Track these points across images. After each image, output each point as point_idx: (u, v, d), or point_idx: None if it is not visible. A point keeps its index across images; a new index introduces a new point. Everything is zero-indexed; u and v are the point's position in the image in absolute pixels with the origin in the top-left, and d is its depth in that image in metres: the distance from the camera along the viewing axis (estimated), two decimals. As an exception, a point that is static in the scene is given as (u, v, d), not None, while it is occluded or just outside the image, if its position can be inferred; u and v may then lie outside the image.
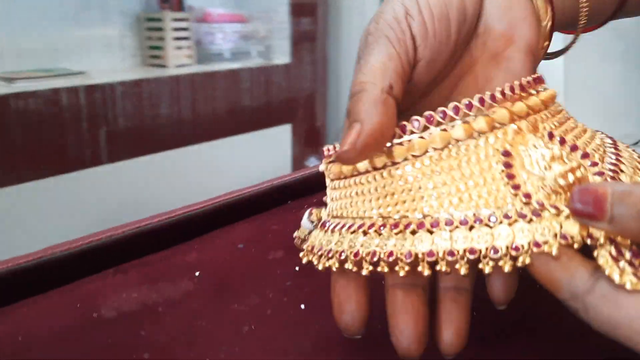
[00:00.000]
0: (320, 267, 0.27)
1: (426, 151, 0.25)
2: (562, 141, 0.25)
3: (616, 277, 0.21)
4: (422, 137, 0.25)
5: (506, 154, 0.24)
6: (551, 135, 0.25)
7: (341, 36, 2.12)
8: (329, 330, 0.29)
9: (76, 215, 1.32)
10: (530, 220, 0.22)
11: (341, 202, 0.28)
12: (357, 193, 0.27)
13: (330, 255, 0.26)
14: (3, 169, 1.19)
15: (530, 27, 0.30)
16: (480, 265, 0.22)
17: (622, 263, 0.21)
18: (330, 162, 0.29)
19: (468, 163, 0.24)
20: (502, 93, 0.25)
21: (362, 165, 0.26)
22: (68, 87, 1.26)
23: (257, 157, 1.80)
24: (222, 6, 1.82)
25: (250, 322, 0.32)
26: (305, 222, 0.31)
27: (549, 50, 0.34)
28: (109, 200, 1.38)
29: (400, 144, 0.25)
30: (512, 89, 0.26)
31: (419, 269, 0.23)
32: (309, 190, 0.52)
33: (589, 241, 0.22)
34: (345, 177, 0.27)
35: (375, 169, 0.26)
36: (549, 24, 0.31)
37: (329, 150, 0.29)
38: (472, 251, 0.22)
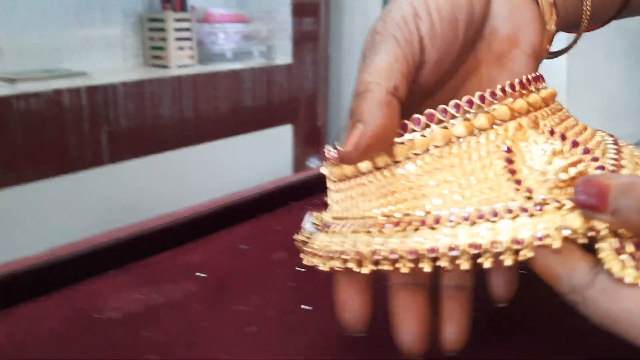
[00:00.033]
0: (325, 269, 0.27)
1: (428, 149, 0.25)
2: (563, 137, 0.25)
3: (616, 270, 0.21)
4: (423, 136, 0.25)
5: (507, 150, 0.24)
6: (552, 132, 0.25)
7: (343, 36, 2.12)
8: (331, 331, 0.29)
9: (78, 215, 1.32)
10: (533, 215, 0.23)
11: (344, 204, 0.28)
12: (359, 193, 0.27)
13: (333, 256, 0.27)
14: (5, 169, 1.19)
15: (535, 30, 0.30)
16: (481, 260, 0.23)
17: (623, 256, 0.21)
18: (332, 164, 0.29)
19: (469, 160, 0.24)
20: (503, 90, 0.26)
21: (365, 165, 0.26)
22: (70, 88, 1.26)
23: (259, 157, 1.80)
24: (224, 6, 1.82)
25: (252, 322, 0.32)
26: (306, 224, 0.31)
27: (551, 50, 0.34)
28: (111, 200, 1.38)
29: (402, 142, 0.25)
30: (512, 87, 0.26)
31: (421, 265, 0.24)
32: (310, 191, 0.52)
33: (591, 234, 0.22)
34: (348, 179, 0.27)
35: (377, 168, 0.26)
36: (553, 27, 0.31)
37: (330, 152, 0.30)
38: (474, 246, 0.23)
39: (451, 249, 0.23)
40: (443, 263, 0.23)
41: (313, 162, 2.02)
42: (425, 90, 0.29)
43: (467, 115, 0.25)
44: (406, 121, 0.26)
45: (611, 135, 0.29)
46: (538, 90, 0.27)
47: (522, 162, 0.24)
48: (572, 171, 0.23)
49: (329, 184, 0.29)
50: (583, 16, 0.34)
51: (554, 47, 0.34)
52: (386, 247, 0.24)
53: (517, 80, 0.26)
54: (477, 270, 0.23)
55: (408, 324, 0.25)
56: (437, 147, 0.25)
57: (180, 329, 0.32)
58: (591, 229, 0.22)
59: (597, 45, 0.87)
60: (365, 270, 0.25)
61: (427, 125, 0.25)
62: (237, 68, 1.67)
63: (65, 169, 1.29)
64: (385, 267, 0.24)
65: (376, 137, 0.25)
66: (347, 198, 0.28)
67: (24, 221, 1.24)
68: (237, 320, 0.32)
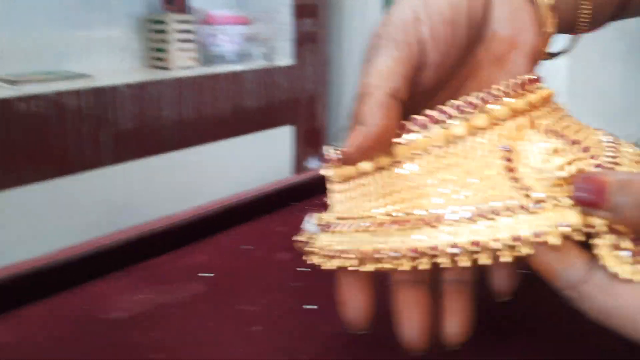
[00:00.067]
0: (328, 267, 0.27)
1: (428, 149, 0.25)
2: (561, 136, 0.25)
3: (612, 266, 0.21)
4: (424, 136, 0.26)
5: (506, 149, 0.25)
6: (550, 131, 0.26)
7: (343, 37, 2.12)
8: (336, 331, 0.30)
9: (80, 216, 1.33)
10: (532, 212, 0.23)
11: (346, 204, 0.28)
12: (361, 193, 0.27)
13: (335, 255, 0.27)
14: (7, 171, 1.19)
15: (533, 32, 0.31)
16: (481, 257, 0.23)
17: (619, 252, 0.21)
18: (333, 165, 0.29)
19: (469, 159, 0.25)
20: (502, 91, 0.26)
21: (366, 166, 0.27)
22: (72, 90, 1.27)
23: (259, 158, 1.80)
24: (225, 8, 1.83)
25: (257, 322, 0.32)
26: (306, 225, 0.32)
27: (551, 51, 0.34)
28: (112, 201, 1.38)
29: (403, 143, 0.26)
30: (511, 87, 0.26)
31: (421, 263, 0.24)
32: (311, 192, 0.53)
33: (589, 230, 0.22)
34: (349, 179, 0.28)
35: (378, 168, 0.26)
36: (551, 29, 0.32)
37: (331, 153, 0.30)
38: (475, 244, 0.23)
39: (452, 246, 0.23)
40: (443, 260, 0.24)
41: (313, 163, 2.02)
42: (426, 91, 0.29)
43: (467, 116, 0.26)
44: (407, 122, 0.26)
45: (609, 134, 0.29)
46: (536, 90, 0.28)
47: (521, 161, 0.25)
48: (570, 169, 0.24)
49: (330, 185, 0.30)
50: (580, 19, 0.34)
51: (555, 48, 0.35)
52: (388, 246, 0.25)
53: (516, 81, 0.27)
54: (478, 266, 0.24)
55: (410, 320, 0.26)
56: (437, 147, 0.25)
57: (185, 329, 0.32)
58: (588, 225, 0.22)
59: (597, 46, 0.87)
60: (367, 268, 0.25)
61: (428, 126, 0.26)
62: (238, 69, 1.67)
63: (67, 170, 1.29)
64: (387, 265, 0.25)
65: (377, 138, 0.25)
66: (349, 198, 0.28)
67: (26, 222, 1.24)
68: (241, 320, 0.33)
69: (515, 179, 0.24)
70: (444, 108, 0.26)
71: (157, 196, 1.47)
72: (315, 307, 0.34)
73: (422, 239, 0.24)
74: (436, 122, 0.26)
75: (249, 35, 1.78)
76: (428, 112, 0.26)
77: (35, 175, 1.23)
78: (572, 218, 0.22)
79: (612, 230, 0.22)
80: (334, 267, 0.27)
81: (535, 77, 0.28)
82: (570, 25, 0.34)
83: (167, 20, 1.57)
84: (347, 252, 0.26)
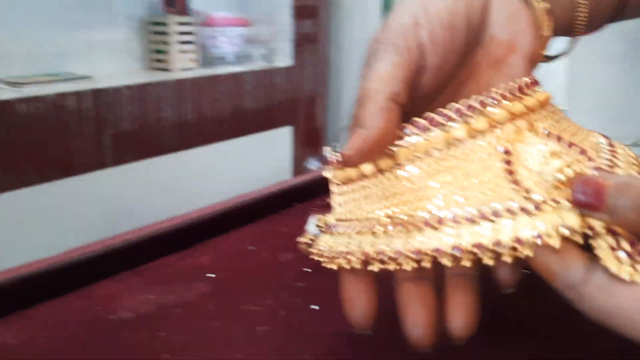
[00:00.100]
0: (332, 267, 0.28)
1: (429, 152, 0.26)
2: (559, 139, 0.26)
3: (613, 268, 0.21)
4: (424, 139, 0.26)
5: (507, 152, 0.25)
6: (548, 134, 0.26)
7: (342, 38, 2.13)
8: (342, 331, 0.30)
9: (82, 217, 1.33)
10: (532, 214, 0.23)
11: (348, 206, 0.29)
12: (363, 196, 0.28)
13: (338, 256, 0.27)
14: (10, 172, 1.20)
15: (531, 36, 0.31)
16: (484, 259, 0.24)
17: (619, 253, 0.22)
18: (335, 167, 0.30)
19: (470, 162, 0.25)
20: (501, 95, 0.27)
21: (368, 168, 0.27)
22: (74, 91, 1.27)
23: (259, 159, 1.81)
24: (225, 10, 1.83)
25: (263, 322, 0.33)
26: (309, 227, 0.32)
27: (549, 54, 0.35)
28: (113, 202, 1.39)
29: (404, 146, 0.26)
30: (509, 90, 0.27)
31: (423, 263, 0.24)
32: (314, 193, 0.53)
33: (588, 232, 0.22)
34: (352, 181, 0.28)
35: (380, 171, 0.27)
36: (549, 32, 0.32)
37: (333, 155, 0.30)
38: (477, 245, 0.23)
39: (454, 248, 0.24)
40: (445, 261, 0.24)
41: (312, 164, 2.03)
42: (425, 95, 0.29)
43: (467, 119, 0.26)
44: (408, 125, 0.27)
45: (605, 137, 0.30)
46: (534, 93, 0.28)
47: (520, 164, 0.25)
48: (569, 172, 0.24)
49: (332, 187, 0.30)
50: (577, 21, 0.34)
51: (554, 50, 0.35)
52: (391, 248, 0.25)
53: (514, 85, 0.27)
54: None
55: (416, 316, 0.26)
56: (437, 150, 0.26)
57: (193, 329, 0.32)
58: (588, 227, 0.22)
59: (597, 47, 0.87)
60: (371, 268, 0.26)
61: (429, 129, 0.26)
62: (238, 71, 1.68)
63: (69, 171, 1.29)
64: (391, 266, 0.25)
65: (376, 141, 0.26)
66: (351, 200, 0.28)
67: (28, 224, 1.25)
68: (248, 320, 0.33)
69: (516, 182, 0.24)
70: (444, 111, 0.26)
71: (158, 197, 1.48)
72: (321, 307, 0.34)
73: (424, 240, 0.25)
74: (436, 125, 0.26)
75: (249, 36, 1.79)
76: (429, 115, 0.26)
77: (36, 177, 1.24)
78: (571, 220, 0.23)
79: (610, 232, 0.22)
80: (336, 267, 0.27)
81: (534, 80, 0.29)
82: (568, 27, 0.35)
83: (167, 22, 1.57)
84: (351, 253, 0.27)
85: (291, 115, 1.90)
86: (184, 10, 1.62)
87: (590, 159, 0.25)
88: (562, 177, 0.24)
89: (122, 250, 0.40)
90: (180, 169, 1.55)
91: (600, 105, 0.89)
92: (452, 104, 0.26)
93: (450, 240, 0.24)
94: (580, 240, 0.23)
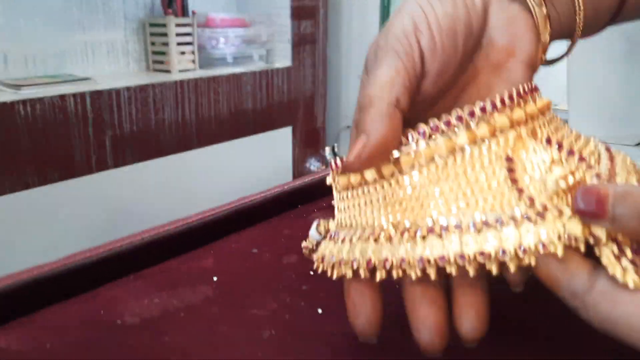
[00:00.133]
0: (334, 277, 0.28)
1: (432, 159, 0.26)
2: (560, 146, 0.26)
3: (618, 276, 0.22)
4: (427, 146, 0.26)
5: (509, 159, 0.25)
6: (549, 141, 0.26)
7: (341, 39, 2.13)
8: (347, 335, 0.30)
9: (83, 219, 1.33)
10: (535, 222, 0.23)
11: (350, 213, 0.29)
12: (365, 202, 0.28)
13: (342, 264, 0.27)
14: (10, 174, 1.20)
15: (531, 40, 0.31)
16: (488, 266, 0.24)
17: (624, 262, 0.22)
18: (338, 173, 0.29)
19: (473, 169, 0.25)
20: (502, 101, 0.27)
21: (370, 175, 0.27)
22: (74, 93, 1.27)
23: (259, 159, 1.81)
24: (224, 11, 1.83)
25: (269, 327, 0.32)
26: (313, 232, 0.32)
27: (549, 57, 0.35)
28: (114, 204, 1.38)
29: (407, 152, 0.26)
30: (510, 97, 0.27)
31: (428, 271, 0.24)
32: (318, 194, 0.53)
33: (591, 240, 0.23)
34: (354, 188, 0.28)
35: (382, 178, 0.27)
36: (547, 37, 0.32)
37: (336, 163, 0.30)
38: (482, 254, 0.24)
39: (460, 257, 0.24)
40: (450, 269, 0.24)
41: (313, 164, 2.03)
42: (426, 99, 0.30)
43: (469, 126, 0.26)
44: (410, 131, 0.27)
45: (603, 143, 0.30)
46: (534, 100, 0.28)
47: (522, 171, 0.25)
48: (571, 179, 0.24)
49: (335, 194, 0.30)
50: (576, 25, 0.35)
51: (553, 53, 0.36)
52: (396, 256, 0.25)
53: (514, 91, 0.27)
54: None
55: (426, 318, 0.26)
56: (440, 157, 0.26)
57: (198, 333, 0.32)
58: (592, 235, 0.23)
59: (597, 46, 0.88)
60: (376, 277, 0.26)
61: (431, 136, 0.26)
62: (238, 72, 1.68)
63: (70, 173, 1.29)
64: (395, 274, 0.25)
65: (378, 148, 0.26)
66: (353, 206, 0.28)
67: (28, 226, 1.24)
68: (253, 324, 0.33)
69: (519, 189, 0.24)
70: (446, 118, 0.26)
71: (159, 198, 1.48)
72: (326, 310, 0.34)
73: (429, 249, 0.25)
74: (438, 131, 0.26)
75: (248, 37, 1.79)
76: (432, 122, 0.26)
77: (36, 179, 1.24)
78: (575, 228, 0.23)
79: (613, 240, 0.22)
80: (342, 276, 0.27)
81: (533, 87, 0.29)
82: (566, 31, 0.35)
83: (167, 23, 1.57)
84: (355, 261, 0.27)
85: (291, 115, 1.90)
86: (183, 11, 1.62)
87: (590, 167, 0.26)
88: (564, 185, 0.24)
89: (124, 254, 0.40)
90: (181, 170, 1.55)
91: (600, 105, 0.89)
92: (454, 110, 0.26)
93: (454, 248, 0.24)
94: (583, 248, 0.23)
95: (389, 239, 0.26)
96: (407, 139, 0.26)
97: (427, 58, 0.28)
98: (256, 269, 0.40)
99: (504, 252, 0.23)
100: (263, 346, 0.31)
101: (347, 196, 0.29)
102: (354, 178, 0.28)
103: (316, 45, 1.96)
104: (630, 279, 0.21)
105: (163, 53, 1.59)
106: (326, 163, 2.00)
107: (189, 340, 0.32)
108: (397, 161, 0.26)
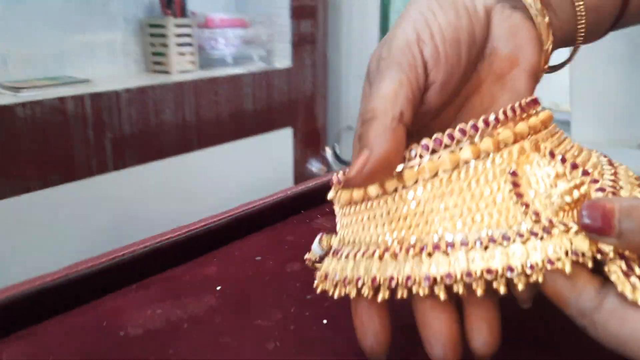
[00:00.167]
0: (335, 296, 0.27)
1: (436, 173, 0.25)
2: (563, 159, 0.26)
3: (628, 293, 0.21)
4: (431, 160, 0.26)
5: (513, 173, 0.25)
6: (552, 154, 0.26)
7: (341, 39, 2.13)
8: (353, 346, 0.30)
9: (83, 222, 1.32)
10: (542, 238, 0.23)
11: (353, 228, 0.28)
12: (368, 218, 0.27)
13: (346, 282, 0.27)
14: (10, 178, 1.19)
15: (533, 50, 0.31)
16: (495, 285, 0.23)
17: (633, 279, 0.21)
18: (339, 189, 0.29)
19: (477, 184, 0.25)
20: (505, 114, 0.26)
21: (373, 190, 0.26)
22: (73, 95, 1.27)
23: (260, 160, 1.80)
24: (223, 11, 1.83)
25: (274, 338, 0.32)
26: (316, 247, 0.31)
27: (551, 63, 0.35)
28: (114, 206, 1.38)
29: (410, 167, 0.26)
30: (513, 110, 0.27)
31: (436, 291, 0.24)
32: (320, 199, 0.53)
33: (598, 256, 0.22)
34: (356, 203, 0.28)
35: (385, 193, 0.26)
36: (550, 47, 0.32)
37: (338, 178, 0.30)
38: (489, 271, 0.23)
39: (467, 275, 0.23)
40: (457, 287, 0.24)
41: (313, 165, 2.02)
42: (430, 110, 0.29)
43: (472, 140, 0.26)
44: (413, 145, 0.26)
45: (605, 156, 0.30)
46: (537, 113, 0.28)
47: (527, 186, 0.25)
48: (576, 194, 0.24)
49: (336, 209, 0.30)
50: (578, 33, 0.34)
51: (555, 59, 0.35)
52: (402, 274, 0.25)
53: (517, 104, 0.27)
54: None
55: (438, 332, 0.25)
56: (444, 171, 0.25)
57: (203, 345, 0.32)
58: (598, 251, 0.22)
59: (600, 48, 0.87)
60: (381, 296, 0.25)
61: (435, 150, 0.26)
62: (238, 73, 1.67)
63: (69, 176, 1.29)
64: (400, 293, 0.25)
65: (381, 163, 0.25)
66: (356, 222, 0.28)
67: (29, 230, 1.24)
68: (260, 335, 0.33)
69: (524, 204, 0.24)
70: (450, 132, 0.26)
71: (159, 200, 1.47)
72: (331, 321, 0.34)
73: (435, 266, 0.24)
74: (442, 145, 0.26)
75: (247, 38, 1.78)
76: (436, 136, 0.26)
77: (36, 182, 1.23)
78: (582, 244, 0.22)
79: (620, 256, 0.22)
80: (345, 295, 0.27)
81: (534, 99, 0.28)
82: (569, 38, 0.35)
83: (166, 24, 1.56)
84: (360, 279, 0.26)
85: (291, 116, 1.90)
86: (182, 12, 1.61)
87: (594, 180, 0.25)
88: (570, 200, 0.24)
89: (127, 264, 0.39)
90: (182, 171, 1.55)
91: (603, 106, 0.89)
92: (457, 124, 0.26)
93: (461, 265, 0.24)
94: (590, 264, 0.22)
95: (394, 255, 0.25)
96: (411, 153, 0.26)
97: (431, 68, 0.28)
98: (260, 277, 0.40)
99: (511, 269, 0.23)
100: (268, 358, 0.31)
101: (349, 211, 0.28)
102: (357, 193, 0.27)
103: (316, 46, 1.96)
104: (638, 295, 0.21)
105: (162, 54, 1.59)
106: (327, 163, 2.00)
107: (194, 353, 0.31)
108: (400, 175, 0.26)
